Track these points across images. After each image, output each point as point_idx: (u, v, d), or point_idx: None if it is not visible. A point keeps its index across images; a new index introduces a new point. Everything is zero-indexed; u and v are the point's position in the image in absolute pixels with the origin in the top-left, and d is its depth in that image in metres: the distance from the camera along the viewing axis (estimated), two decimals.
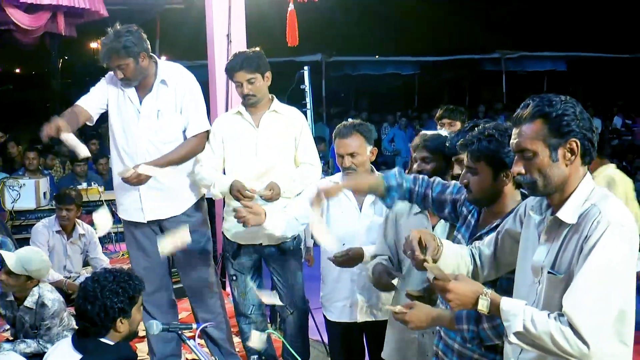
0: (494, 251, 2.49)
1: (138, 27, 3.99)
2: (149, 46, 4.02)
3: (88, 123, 4.15)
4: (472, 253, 2.53)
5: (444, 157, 3.28)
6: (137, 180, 3.89)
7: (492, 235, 2.52)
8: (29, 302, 4.47)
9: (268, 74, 4.10)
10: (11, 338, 4.68)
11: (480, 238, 2.63)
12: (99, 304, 2.89)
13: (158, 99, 4.04)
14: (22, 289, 4.46)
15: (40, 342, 4.43)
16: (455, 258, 2.45)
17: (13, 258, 4.42)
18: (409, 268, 3.26)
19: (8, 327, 4.87)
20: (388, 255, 3.41)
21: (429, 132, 3.45)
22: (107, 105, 4.11)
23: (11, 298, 4.56)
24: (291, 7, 5.94)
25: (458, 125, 4.95)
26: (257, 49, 4.19)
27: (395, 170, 3.01)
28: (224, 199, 4.31)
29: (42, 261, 4.54)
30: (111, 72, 4.05)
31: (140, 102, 4.04)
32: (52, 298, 4.49)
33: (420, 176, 3.01)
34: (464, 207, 2.82)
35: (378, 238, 3.52)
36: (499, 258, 2.49)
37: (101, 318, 2.89)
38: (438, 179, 3.01)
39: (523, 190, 2.61)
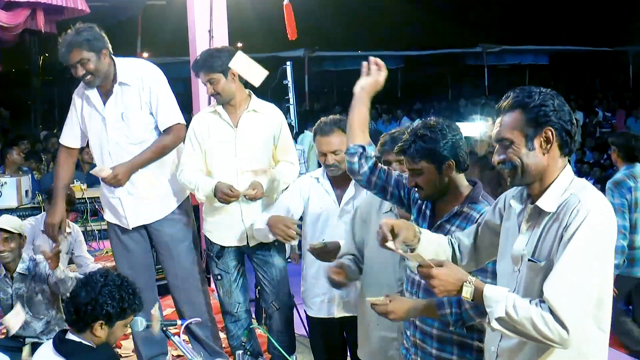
0: (473, 242, 2.53)
1: (98, 26, 3.99)
2: (110, 47, 3.99)
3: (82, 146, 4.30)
4: (451, 242, 2.57)
5: None
6: (114, 182, 3.98)
7: (473, 225, 2.57)
8: (21, 268, 4.36)
9: (234, 71, 3.97)
10: (3, 333, 4.60)
11: (440, 227, 2.71)
12: (92, 295, 2.86)
13: (120, 101, 4.02)
14: (18, 251, 4.34)
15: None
16: (433, 246, 2.49)
17: (2, 220, 4.32)
18: (379, 269, 3.27)
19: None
20: (354, 255, 3.40)
21: (390, 132, 3.34)
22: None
23: (2, 271, 4.41)
24: (286, 1, 5.92)
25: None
26: (222, 46, 4.11)
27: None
28: None
29: (12, 217, 4.53)
30: (77, 89, 4.08)
31: (104, 107, 4.04)
32: (39, 257, 4.37)
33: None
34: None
35: (346, 237, 3.51)
36: (479, 249, 2.53)
37: (86, 310, 2.86)
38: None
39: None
